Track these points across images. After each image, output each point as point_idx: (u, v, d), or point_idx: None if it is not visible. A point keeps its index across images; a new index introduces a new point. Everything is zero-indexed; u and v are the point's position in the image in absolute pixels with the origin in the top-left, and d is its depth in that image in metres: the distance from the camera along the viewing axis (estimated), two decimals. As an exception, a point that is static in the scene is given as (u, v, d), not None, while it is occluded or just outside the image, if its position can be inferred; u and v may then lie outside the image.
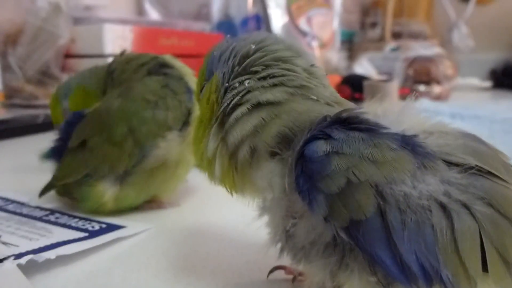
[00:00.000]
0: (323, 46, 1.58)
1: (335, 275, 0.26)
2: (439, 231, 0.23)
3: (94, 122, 0.47)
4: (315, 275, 0.27)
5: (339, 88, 1.14)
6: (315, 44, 1.55)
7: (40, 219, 0.46)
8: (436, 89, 1.34)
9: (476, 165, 0.24)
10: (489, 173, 0.25)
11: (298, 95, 0.28)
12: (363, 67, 1.43)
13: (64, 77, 1.19)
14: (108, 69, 0.51)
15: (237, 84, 0.29)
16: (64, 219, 0.46)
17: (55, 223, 0.45)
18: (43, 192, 0.49)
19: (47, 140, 0.53)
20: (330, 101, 0.29)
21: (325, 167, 0.24)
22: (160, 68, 0.50)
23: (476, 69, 1.78)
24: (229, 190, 0.31)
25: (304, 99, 0.28)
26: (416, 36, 1.75)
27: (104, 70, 0.52)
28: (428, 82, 1.35)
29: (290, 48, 0.30)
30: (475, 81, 1.81)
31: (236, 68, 0.29)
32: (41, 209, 0.49)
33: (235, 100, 0.29)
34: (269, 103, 0.28)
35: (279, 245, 0.29)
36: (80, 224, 0.45)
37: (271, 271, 0.34)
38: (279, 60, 0.29)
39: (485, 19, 1.85)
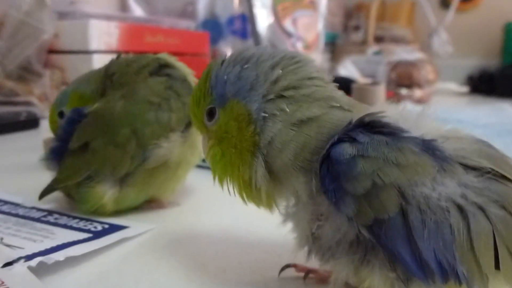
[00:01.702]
0: (307, 47, 1.60)
1: (358, 271, 0.27)
2: (457, 231, 0.24)
3: (96, 124, 0.46)
4: (341, 272, 0.28)
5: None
6: (299, 45, 1.57)
7: (39, 220, 0.46)
8: (418, 92, 1.37)
9: (491, 169, 0.26)
10: (502, 176, 0.26)
11: (329, 106, 0.29)
12: (347, 69, 1.45)
13: (47, 73, 1.17)
14: (106, 72, 0.50)
15: (277, 112, 0.29)
16: (64, 220, 0.46)
17: (55, 224, 0.45)
18: (44, 194, 0.48)
19: (29, 138, 0.52)
20: (349, 106, 0.29)
21: (352, 169, 0.25)
22: (161, 69, 0.50)
23: (454, 74, 1.83)
24: (263, 207, 0.32)
25: (334, 109, 0.29)
26: (397, 40, 1.79)
27: (100, 73, 0.51)
28: (410, 85, 1.39)
29: (305, 61, 0.31)
30: (453, 86, 1.86)
31: (271, 96, 0.29)
32: (38, 209, 0.49)
33: (280, 126, 0.29)
34: (309, 119, 0.29)
35: (306, 248, 0.30)
36: (81, 224, 0.45)
37: (282, 269, 0.35)
38: (305, 79, 0.30)
39: (464, 26, 1.91)
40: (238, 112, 0.30)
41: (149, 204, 0.51)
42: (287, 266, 0.35)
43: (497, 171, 0.26)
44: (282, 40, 1.53)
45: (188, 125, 0.48)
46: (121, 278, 0.35)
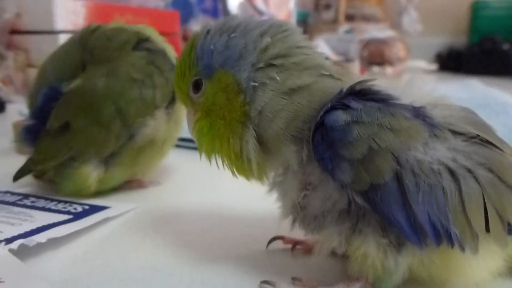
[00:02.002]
0: (279, 27, 1.59)
1: (350, 239, 0.27)
2: (449, 193, 0.25)
3: (77, 103, 0.45)
4: (330, 242, 0.28)
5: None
6: (271, 25, 1.56)
7: (14, 203, 0.44)
8: (389, 70, 1.39)
9: (477, 135, 0.26)
10: (487, 141, 0.27)
11: (319, 74, 0.29)
12: (320, 48, 1.45)
13: (10, 55, 1.12)
14: (84, 45, 0.48)
15: (267, 80, 0.28)
16: (41, 203, 0.44)
17: (32, 207, 0.43)
18: (19, 175, 0.46)
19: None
20: (339, 74, 0.29)
21: (347, 135, 0.25)
22: (140, 43, 0.48)
23: (423, 52, 1.86)
24: (254, 179, 0.31)
25: (324, 77, 0.29)
26: (368, 19, 1.80)
27: (75, 46, 0.49)
28: (381, 63, 1.40)
29: (293, 29, 0.30)
30: (423, 64, 1.89)
31: (261, 64, 0.29)
32: (12, 193, 0.47)
33: (270, 95, 0.28)
34: (300, 88, 0.28)
35: (291, 217, 0.30)
36: (60, 207, 0.44)
37: (270, 242, 0.35)
38: (295, 47, 0.29)
39: (433, 4, 1.93)
40: (227, 82, 0.29)
41: (129, 183, 0.50)
42: (275, 238, 0.35)
43: (482, 137, 0.27)
44: (254, 19, 1.52)
45: (171, 101, 0.47)
46: (106, 258, 0.34)
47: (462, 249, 0.25)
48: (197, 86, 0.31)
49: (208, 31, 0.31)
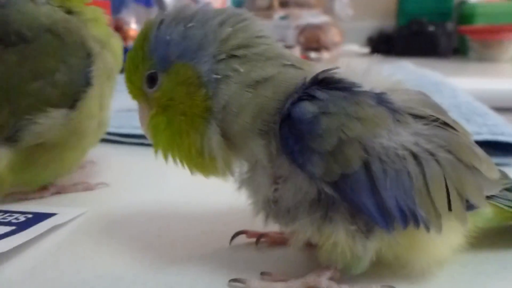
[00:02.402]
0: (214, 15, 1.57)
1: (321, 228, 0.27)
2: (414, 177, 0.25)
3: None
4: (305, 232, 0.27)
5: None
6: (206, 13, 1.53)
7: None
8: (326, 55, 1.41)
9: (436, 118, 0.27)
10: (445, 123, 0.27)
11: (281, 65, 0.28)
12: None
13: None
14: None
15: (230, 73, 0.27)
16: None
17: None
18: None
19: None
20: (300, 64, 0.29)
21: (316, 127, 0.25)
22: (57, 27, 0.42)
23: (356, 36, 1.92)
24: (216, 176, 0.30)
25: (287, 67, 0.28)
26: (301, 4, 1.81)
27: None
28: (318, 49, 1.42)
29: (252, 19, 0.29)
30: (355, 48, 1.94)
31: (222, 56, 0.27)
32: None
33: (234, 88, 0.27)
34: (265, 79, 0.27)
35: (263, 213, 0.29)
36: (-1, 217, 0.40)
37: (233, 237, 0.34)
38: (255, 37, 0.28)
39: (362, -12, 1.98)
40: (186, 75, 0.28)
41: (75, 186, 0.47)
42: (237, 233, 0.35)
43: (440, 119, 0.27)
44: (189, 4, 1.48)
45: (73, 104, 0.42)
46: (59, 270, 0.32)
47: (428, 229, 0.26)
48: (151, 80, 0.29)
49: (161, 21, 0.29)
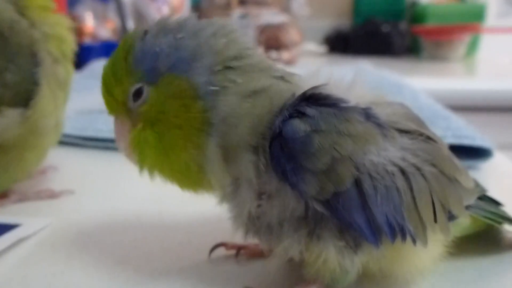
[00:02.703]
0: (173, 11, 1.53)
1: (309, 246, 0.26)
2: (403, 193, 0.26)
3: None
4: (292, 250, 0.27)
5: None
6: (165, 9, 1.50)
7: None
8: (285, 54, 1.42)
9: (418, 131, 0.27)
10: (427, 137, 0.28)
11: (272, 76, 0.28)
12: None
13: None
14: None
15: (228, 84, 0.26)
16: None
17: None
18: None
19: None
20: (287, 76, 0.28)
21: (309, 146, 0.24)
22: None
23: (313, 35, 1.93)
24: (204, 191, 0.30)
25: (277, 80, 0.28)
26: (259, 3, 1.80)
27: None
28: (277, 48, 1.42)
29: (238, 30, 0.29)
30: (313, 47, 1.96)
31: (218, 67, 0.26)
32: None
33: (234, 99, 0.26)
34: (262, 90, 0.27)
35: (243, 228, 0.29)
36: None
37: (212, 250, 0.34)
38: (246, 48, 0.28)
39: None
40: (179, 87, 0.26)
41: (37, 193, 0.44)
42: (217, 246, 0.34)
43: (423, 132, 0.28)
44: (147, 4, 1.45)
45: (27, 103, 0.40)
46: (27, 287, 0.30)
47: (414, 242, 0.26)
48: (137, 94, 0.28)
49: (145, 32, 0.28)
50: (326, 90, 0.26)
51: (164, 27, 0.28)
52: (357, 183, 0.25)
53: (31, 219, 0.40)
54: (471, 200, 0.31)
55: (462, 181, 0.29)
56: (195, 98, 0.26)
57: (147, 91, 0.27)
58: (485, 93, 1.24)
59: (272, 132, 0.25)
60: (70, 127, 0.63)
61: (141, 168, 0.29)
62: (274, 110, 0.26)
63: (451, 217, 0.28)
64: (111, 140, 0.60)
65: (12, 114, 0.39)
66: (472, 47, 1.64)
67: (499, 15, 1.78)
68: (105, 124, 0.63)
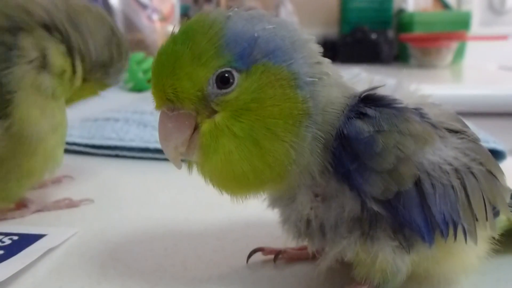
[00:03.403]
0: (164, 19, 1.53)
1: (364, 247, 0.26)
2: (458, 191, 0.26)
3: None
4: (347, 251, 0.27)
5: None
6: (155, 17, 1.49)
7: None
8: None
9: (463, 130, 0.28)
10: (473, 137, 0.28)
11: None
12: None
13: None
14: None
15: (323, 76, 0.26)
16: None
17: None
18: None
19: None
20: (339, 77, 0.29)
21: (374, 146, 0.24)
22: None
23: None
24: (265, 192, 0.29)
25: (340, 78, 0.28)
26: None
27: None
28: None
29: None
30: (302, 54, 1.98)
31: (314, 59, 0.26)
32: None
33: (328, 90, 0.26)
34: (343, 83, 0.28)
35: (296, 232, 0.28)
36: (-24, 240, 0.36)
37: (250, 255, 0.33)
38: (313, 43, 0.28)
39: (308, -3, 2.03)
40: (278, 76, 0.25)
41: (57, 203, 0.43)
42: (255, 251, 0.33)
43: (467, 131, 0.28)
44: (137, 11, 1.44)
45: (4, 112, 0.38)
46: (67, 298, 0.29)
47: (467, 240, 0.26)
48: (223, 80, 0.25)
49: (229, 17, 0.26)
50: (380, 91, 0.27)
51: (249, 16, 0.26)
52: (417, 182, 0.25)
53: (57, 228, 0.39)
54: (508, 198, 0.31)
55: (501, 180, 0.30)
56: (295, 88, 0.25)
57: (237, 77, 0.25)
58: (471, 98, 1.26)
59: (335, 135, 0.25)
60: (77, 136, 0.62)
61: (206, 166, 0.26)
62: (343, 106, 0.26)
63: (495, 213, 0.29)
64: (121, 148, 0.60)
65: None
66: (458, 54, 1.67)
67: (482, 23, 1.83)
68: (113, 132, 0.62)
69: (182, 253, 0.35)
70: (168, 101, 0.26)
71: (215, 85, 0.25)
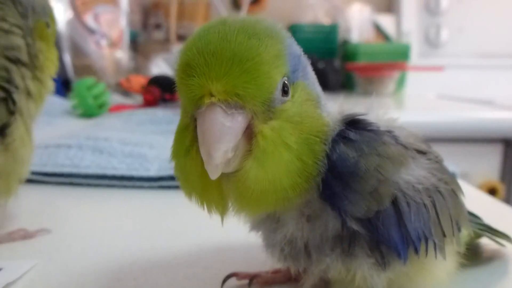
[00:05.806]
0: (112, 45, 1.51)
1: (345, 264, 0.27)
2: (430, 208, 0.27)
3: None
4: (329, 270, 0.27)
5: (147, 89, 1.10)
6: (104, 43, 1.46)
7: None
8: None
9: (429, 152, 0.29)
10: (437, 157, 0.30)
11: None
12: (159, 67, 1.42)
13: None
14: None
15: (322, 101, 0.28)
16: None
17: None
18: None
19: None
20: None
21: (356, 169, 0.25)
22: None
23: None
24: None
25: None
26: (199, 38, 1.82)
27: None
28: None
29: None
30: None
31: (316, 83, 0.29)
32: None
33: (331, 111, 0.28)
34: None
35: (281, 254, 0.28)
36: None
37: (224, 281, 0.33)
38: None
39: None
40: (309, 96, 0.26)
41: (11, 235, 0.41)
42: (228, 276, 0.33)
43: (432, 152, 0.30)
44: (85, 37, 1.41)
45: (3, 129, 0.38)
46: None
47: (436, 255, 0.27)
48: (285, 88, 0.24)
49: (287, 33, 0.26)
50: (363, 116, 0.28)
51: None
52: (394, 201, 0.26)
53: (13, 261, 0.36)
54: (467, 214, 0.33)
55: (461, 198, 0.32)
56: (320, 109, 0.27)
57: (290, 88, 0.25)
58: (413, 125, 1.32)
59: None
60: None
61: (254, 174, 0.23)
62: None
63: (458, 229, 0.30)
64: (76, 175, 0.58)
65: None
66: (400, 83, 1.77)
67: (420, 55, 1.95)
68: (67, 159, 0.59)
69: (152, 282, 0.34)
70: (235, 96, 0.23)
71: (281, 91, 0.24)
